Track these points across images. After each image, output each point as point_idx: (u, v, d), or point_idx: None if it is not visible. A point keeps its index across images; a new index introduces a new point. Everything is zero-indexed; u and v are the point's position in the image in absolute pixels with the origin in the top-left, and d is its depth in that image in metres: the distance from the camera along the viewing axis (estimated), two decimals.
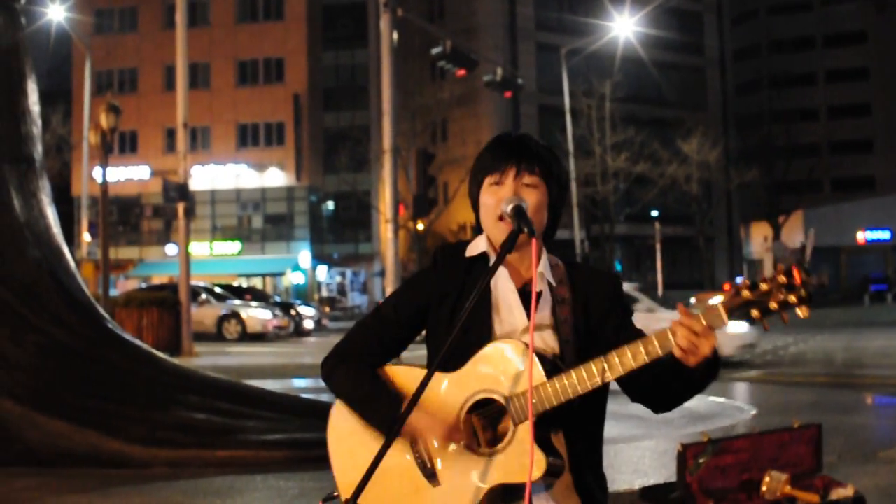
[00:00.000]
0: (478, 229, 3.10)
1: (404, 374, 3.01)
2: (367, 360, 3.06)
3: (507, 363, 2.81)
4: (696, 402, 2.84)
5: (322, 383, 10.32)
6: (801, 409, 11.01)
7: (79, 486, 7.35)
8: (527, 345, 2.78)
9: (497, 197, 2.94)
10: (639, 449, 8.58)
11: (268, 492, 7.05)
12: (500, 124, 68.75)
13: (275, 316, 37.34)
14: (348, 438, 3.01)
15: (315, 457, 8.27)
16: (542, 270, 2.94)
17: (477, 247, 3.05)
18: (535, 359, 2.75)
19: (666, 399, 2.96)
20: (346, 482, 2.97)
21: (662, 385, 2.89)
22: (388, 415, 2.87)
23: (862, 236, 77.47)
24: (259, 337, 35.87)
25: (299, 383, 17.80)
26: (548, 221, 3.01)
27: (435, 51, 26.45)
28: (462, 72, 27.87)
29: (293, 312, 40.64)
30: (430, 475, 2.87)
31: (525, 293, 2.94)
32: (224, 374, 11.57)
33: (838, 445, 7.71)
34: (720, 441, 5.41)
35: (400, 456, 2.90)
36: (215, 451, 8.24)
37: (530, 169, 2.95)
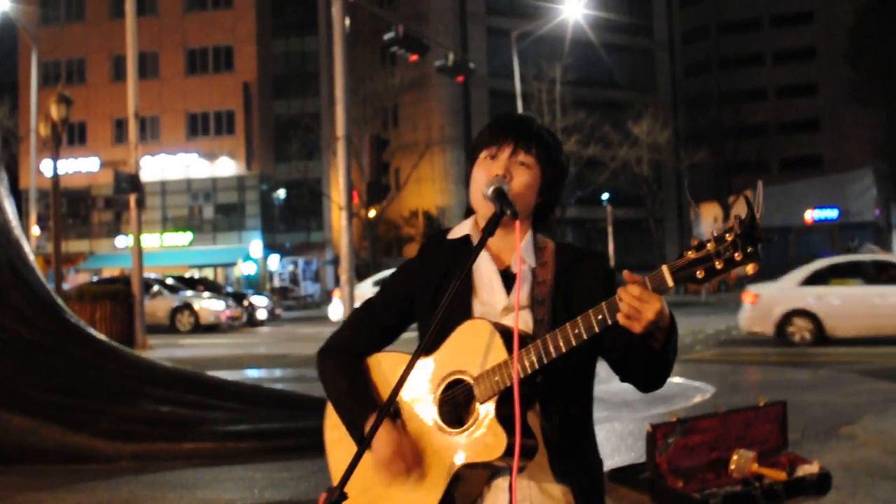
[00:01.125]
0: (470, 209, 3.08)
1: (392, 360, 3.03)
2: (356, 350, 3.08)
3: (475, 343, 2.81)
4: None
5: (278, 373, 10.40)
6: (759, 387, 11.13)
7: (45, 482, 7.31)
8: (494, 325, 2.79)
9: (488, 171, 2.93)
10: (602, 431, 8.62)
11: (236, 482, 7.05)
12: (451, 109, 68.77)
13: (228, 307, 37.19)
14: (342, 431, 3.03)
15: (281, 447, 8.30)
16: (522, 254, 2.92)
17: (461, 229, 3.05)
18: (500, 338, 2.75)
19: (639, 375, 2.88)
20: (334, 474, 3.02)
21: (628, 361, 2.85)
22: (356, 423, 2.92)
23: (810, 215, 78.07)
24: (212, 328, 35.70)
25: (254, 373, 17.77)
26: (540, 204, 3.00)
27: (387, 36, 26.41)
28: (415, 57, 27.82)
29: (246, 303, 40.48)
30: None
31: (505, 274, 2.95)
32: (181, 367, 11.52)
33: (801, 423, 7.81)
34: (688, 421, 5.49)
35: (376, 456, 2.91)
36: (182, 443, 8.23)
37: (527, 148, 2.94)
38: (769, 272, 22.44)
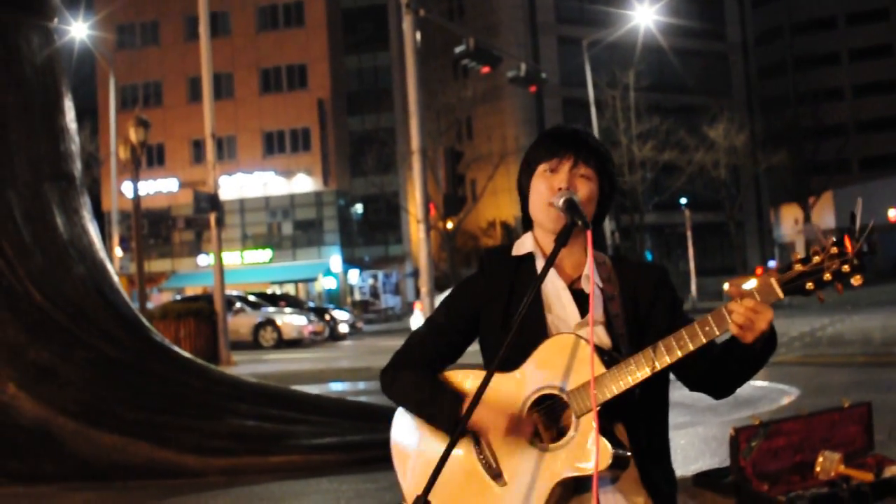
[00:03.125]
0: (526, 223, 3.12)
1: (461, 377, 3.05)
2: (424, 367, 3.10)
3: (564, 358, 2.83)
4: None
5: (361, 386, 10.44)
6: (844, 388, 11.00)
7: (136, 498, 7.44)
8: (581, 338, 2.81)
9: (550, 183, 2.96)
10: (686, 436, 8.59)
11: (323, 495, 7.12)
12: (525, 119, 68.72)
13: (310, 321, 37.45)
14: (412, 446, 3.09)
15: (366, 458, 8.36)
16: (587, 273, 2.95)
17: (523, 246, 3.08)
18: (595, 351, 2.77)
19: (726, 382, 2.95)
20: (411, 490, 3.05)
21: (721, 367, 2.89)
22: (451, 414, 2.92)
23: (894, 213, 76.92)
24: (295, 343, 35.98)
25: (338, 387, 17.87)
26: (596, 217, 3.03)
27: (458, 49, 26.45)
28: (487, 69, 27.84)
29: (327, 317, 40.72)
30: (496, 475, 2.91)
31: (574, 290, 2.99)
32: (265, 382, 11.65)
33: (887, 423, 7.73)
34: (771, 424, 5.46)
35: (465, 458, 2.95)
36: (268, 457, 8.33)
37: (587, 160, 2.97)
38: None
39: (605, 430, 2.77)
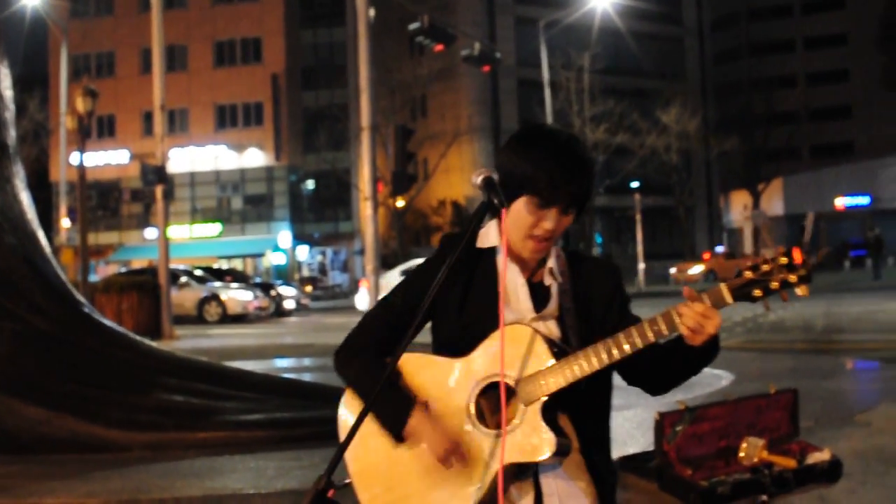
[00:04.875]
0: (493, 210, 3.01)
1: (414, 361, 3.04)
2: (376, 349, 3.09)
3: (516, 347, 2.86)
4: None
5: (305, 362, 10.35)
6: (779, 375, 11.06)
7: (59, 472, 7.34)
8: (534, 330, 2.87)
9: (535, 218, 2.93)
10: (616, 419, 8.53)
11: (248, 472, 7.05)
12: (479, 99, 68.75)
13: (255, 297, 37.39)
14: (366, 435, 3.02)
15: (295, 436, 8.30)
16: (551, 266, 3.03)
17: (487, 238, 3.07)
18: (544, 344, 2.84)
19: (665, 381, 3.10)
20: (356, 469, 3.04)
21: (663, 367, 3.01)
22: (396, 419, 2.94)
23: (841, 202, 77.64)
24: (240, 318, 35.90)
25: (281, 363, 17.80)
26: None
27: (413, 26, 26.37)
28: (440, 47, 27.78)
29: (274, 293, 40.67)
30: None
31: (532, 284, 3.03)
32: (205, 356, 11.56)
33: (815, 410, 7.75)
34: (696, 409, 5.42)
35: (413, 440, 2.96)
36: (195, 432, 8.23)
37: (579, 207, 3.00)
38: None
39: (550, 419, 2.83)
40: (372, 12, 24.14)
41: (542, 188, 2.94)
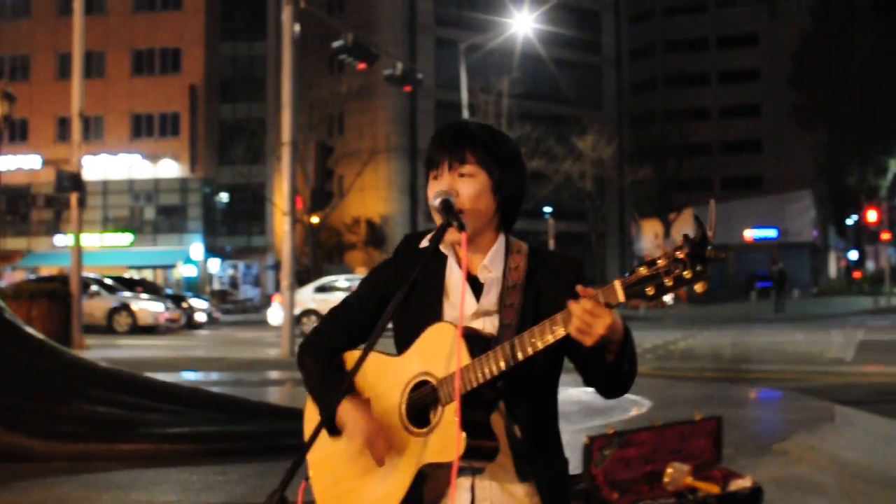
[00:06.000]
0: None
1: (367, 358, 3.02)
2: (332, 347, 3.13)
3: (441, 346, 2.84)
4: (592, 396, 2.96)
5: (214, 376, 10.36)
6: (694, 402, 11.23)
7: None
8: (459, 327, 2.81)
9: (434, 191, 2.96)
10: None
11: (172, 485, 7.02)
12: (397, 118, 68.81)
13: (166, 308, 37.03)
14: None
15: (219, 450, 8.27)
16: (486, 262, 2.98)
17: (430, 237, 3.07)
18: (463, 342, 2.78)
19: (597, 384, 2.93)
20: (312, 460, 3.08)
21: (586, 369, 2.90)
22: (324, 408, 2.98)
23: (749, 234, 78.99)
24: (150, 329, 35.50)
25: (191, 376, 17.63)
26: (502, 204, 3.02)
27: (336, 44, 26.34)
28: (363, 65, 27.77)
29: (185, 305, 40.31)
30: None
31: (472, 280, 2.99)
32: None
33: (735, 438, 7.91)
34: (624, 433, 5.54)
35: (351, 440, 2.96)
36: (118, 444, 8.16)
37: (461, 159, 2.94)
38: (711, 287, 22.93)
39: (472, 419, 2.76)
40: (297, 28, 24.13)
41: (428, 153, 3.02)
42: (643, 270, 2.60)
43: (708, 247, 2.53)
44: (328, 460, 3.02)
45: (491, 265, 2.99)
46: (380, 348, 3.06)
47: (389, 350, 3.05)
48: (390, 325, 3.05)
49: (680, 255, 2.54)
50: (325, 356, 3.12)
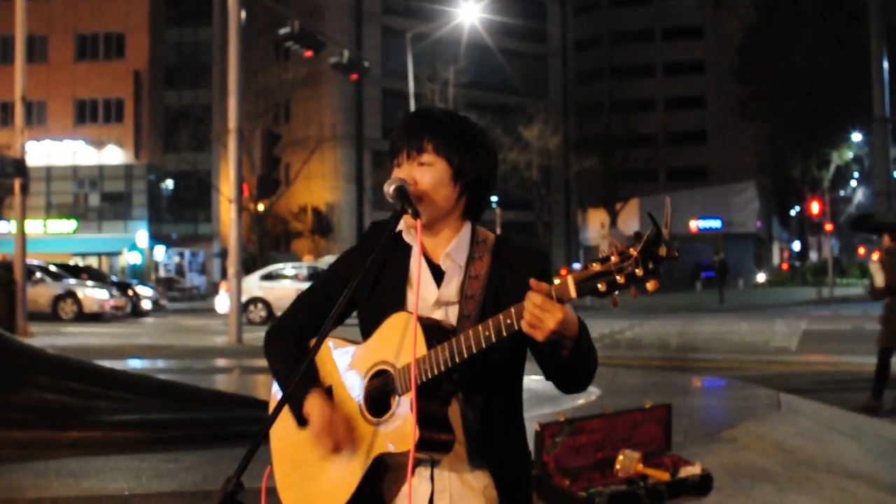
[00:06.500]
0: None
1: (327, 345, 3.07)
2: (298, 334, 3.14)
3: (399, 335, 2.84)
4: (541, 384, 3.00)
5: (160, 364, 10.29)
6: (643, 390, 11.32)
7: None
8: (419, 318, 2.80)
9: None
10: None
11: (123, 472, 6.98)
12: (343, 107, 68.61)
13: (112, 296, 36.75)
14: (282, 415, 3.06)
15: (168, 437, 8.24)
16: (449, 251, 2.97)
17: (399, 224, 3.04)
18: (421, 331, 2.77)
19: (554, 379, 2.92)
20: (274, 446, 3.11)
21: (543, 363, 2.89)
22: (291, 398, 2.96)
23: (694, 224, 79.58)
24: (96, 317, 35.23)
25: (138, 364, 17.52)
26: (465, 194, 2.99)
27: (282, 31, 26.25)
28: (309, 53, 27.66)
29: (130, 293, 40.02)
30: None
31: (435, 269, 2.98)
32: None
33: (683, 426, 7.99)
34: (575, 421, 5.58)
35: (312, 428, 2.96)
36: (67, 431, 8.10)
37: (419, 148, 2.93)
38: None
39: (427, 410, 2.76)
40: (243, 14, 24.00)
41: (391, 144, 3.02)
42: (596, 266, 2.58)
43: (661, 245, 2.51)
44: (290, 448, 3.03)
45: (454, 254, 2.98)
46: (345, 336, 3.08)
47: (355, 338, 3.06)
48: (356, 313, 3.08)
49: (633, 252, 2.52)
50: (291, 345, 3.13)
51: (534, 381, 3.05)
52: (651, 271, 2.51)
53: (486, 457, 2.90)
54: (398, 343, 2.84)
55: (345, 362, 2.99)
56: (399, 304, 2.95)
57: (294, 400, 2.96)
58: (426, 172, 2.93)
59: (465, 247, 3.00)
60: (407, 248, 3.02)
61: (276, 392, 3.18)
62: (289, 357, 3.10)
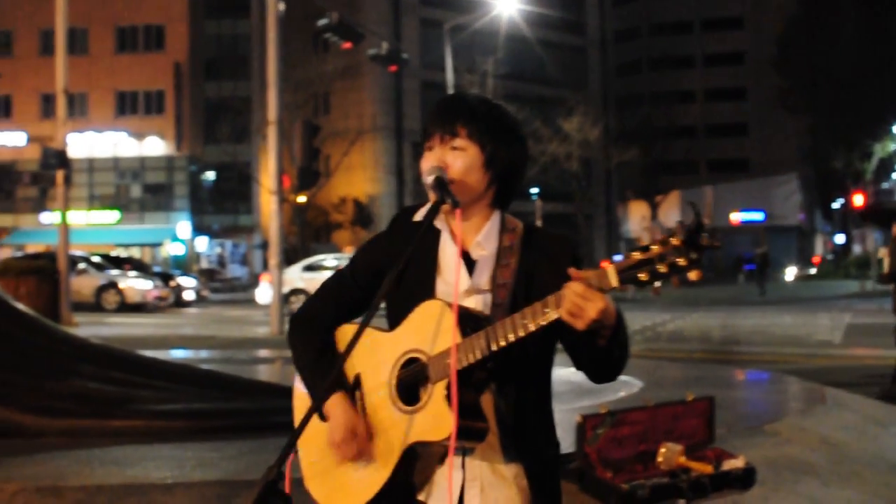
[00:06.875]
0: None
1: (353, 333, 2.98)
2: (324, 322, 3.11)
3: (431, 323, 2.83)
4: (582, 376, 2.99)
5: (203, 354, 10.31)
6: (685, 383, 11.27)
7: None
8: (450, 305, 2.79)
9: (428, 163, 2.96)
10: None
11: (165, 461, 7.01)
12: (382, 98, 68.70)
13: (155, 286, 37.03)
14: (306, 401, 3.08)
15: (211, 427, 8.26)
16: (480, 239, 2.96)
17: (426, 211, 3.03)
18: (455, 319, 2.76)
19: (589, 368, 2.96)
20: (304, 435, 3.02)
21: (576, 353, 2.91)
22: (317, 394, 2.96)
23: (736, 217, 79.10)
24: (138, 307, 35.50)
25: (181, 354, 17.62)
26: (496, 182, 2.99)
27: (321, 22, 26.29)
28: (348, 44, 27.71)
29: (173, 283, 40.29)
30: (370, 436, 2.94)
31: (465, 257, 2.97)
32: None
33: (726, 418, 7.93)
34: (617, 413, 5.55)
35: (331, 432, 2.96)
36: (110, 420, 8.14)
37: (452, 132, 2.93)
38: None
39: (461, 399, 2.73)
40: (282, 6, 24.07)
41: (423, 127, 3.03)
42: (637, 255, 2.58)
43: (703, 234, 2.51)
44: (317, 435, 2.99)
45: (485, 242, 2.97)
46: (371, 324, 3.05)
47: (380, 326, 3.03)
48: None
49: (675, 241, 2.52)
50: (317, 334, 3.10)
51: (574, 372, 3.04)
52: (694, 261, 2.51)
53: (517, 446, 2.91)
54: (432, 331, 2.83)
55: (374, 350, 2.96)
56: (428, 291, 2.94)
57: (317, 400, 2.92)
58: (458, 157, 2.93)
59: (494, 235, 2.99)
60: (435, 235, 3.00)
61: (299, 383, 3.16)
62: (314, 348, 3.07)
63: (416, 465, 2.90)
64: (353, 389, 3.00)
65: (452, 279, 2.91)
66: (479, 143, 2.94)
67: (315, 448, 3.03)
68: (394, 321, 2.96)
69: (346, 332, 3.08)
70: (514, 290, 2.91)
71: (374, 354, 2.96)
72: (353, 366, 3.00)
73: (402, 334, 2.92)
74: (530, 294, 2.83)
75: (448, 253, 2.98)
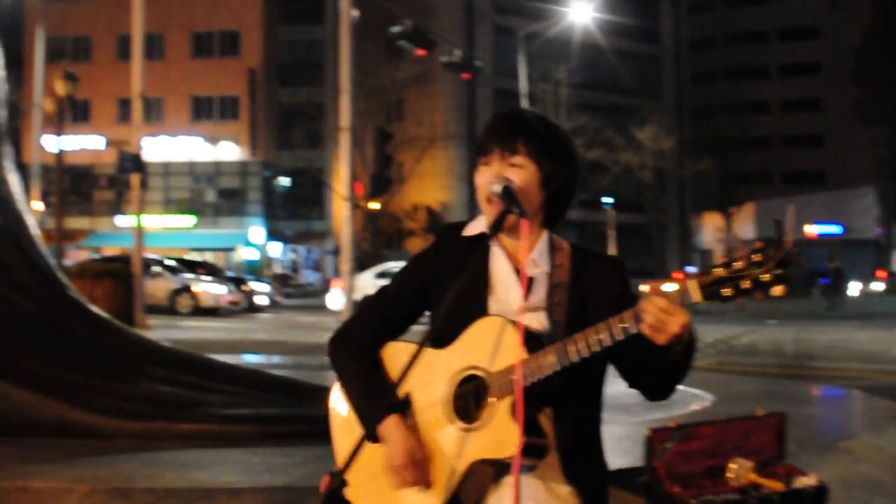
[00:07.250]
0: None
1: (402, 350, 3.03)
2: (369, 340, 3.08)
3: (492, 339, 2.81)
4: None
5: (276, 359, 10.39)
6: (757, 398, 11.15)
7: (44, 456, 7.30)
8: (511, 322, 2.78)
9: (484, 178, 2.96)
10: None
11: (234, 465, 7.06)
12: (455, 105, 68.80)
13: (228, 291, 37.30)
14: (348, 418, 3.05)
15: (280, 432, 8.30)
16: (534, 257, 2.96)
17: (476, 226, 3.05)
18: (518, 335, 2.75)
19: (650, 384, 2.97)
20: (340, 458, 3.05)
21: (643, 369, 2.89)
22: (371, 422, 2.92)
23: (813, 230, 78.13)
24: (212, 311, 35.78)
25: (253, 359, 17.75)
26: (547, 201, 2.99)
27: (394, 29, 26.37)
28: (422, 52, 27.76)
29: (246, 288, 40.56)
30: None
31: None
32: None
33: (798, 435, 7.83)
34: (686, 427, 5.49)
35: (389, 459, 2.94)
36: (180, 424, 8.21)
37: (512, 149, 2.92)
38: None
39: (525, 416, 2.72)
40: (355, 13, 24.14)
41: (480, 140, 3.01)
42: (720, 271, 2.58)
43: (787, 250, 2.49)
44: (365, 454, 2.90)
45: (539, 260, 2.97)
46: (410, 339, 3.04)
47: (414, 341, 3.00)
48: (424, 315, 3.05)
49: (758, 257, 2.52)
50: (364, 354, 3.07)
51: None
52: (778, 277, 2.50)
53: (571, 466, 2.90)
54: (491, 347, 2.81)
55: (429, 367, 2.92)
56: (480, 309, 2.93)
57: (369, 423, 2.92)
58: (517, 174, 2.93)
59: (546, 253, 2.99)
60: (485, 251, 2.98)
61: (335, 402, 3.13)
62: (364, 369, 3.04)
63: (469, 483, 2.87)
64: (403, 409, 2.97)
65: (505, 296, 2.93)
66: (538, 161, 2.94)
67: (363, 469, 2.97)
68: (443, 339, 2.92)
69: (393, 350, 3.07)
70: (568, 308, 2.91)
71: (425, 372, 2.92)
72: (402, 385, 2.94)
73: (458, 351, 2.90)
74: (585, 313, 2.86)
75: (500, 269, 2.98)
